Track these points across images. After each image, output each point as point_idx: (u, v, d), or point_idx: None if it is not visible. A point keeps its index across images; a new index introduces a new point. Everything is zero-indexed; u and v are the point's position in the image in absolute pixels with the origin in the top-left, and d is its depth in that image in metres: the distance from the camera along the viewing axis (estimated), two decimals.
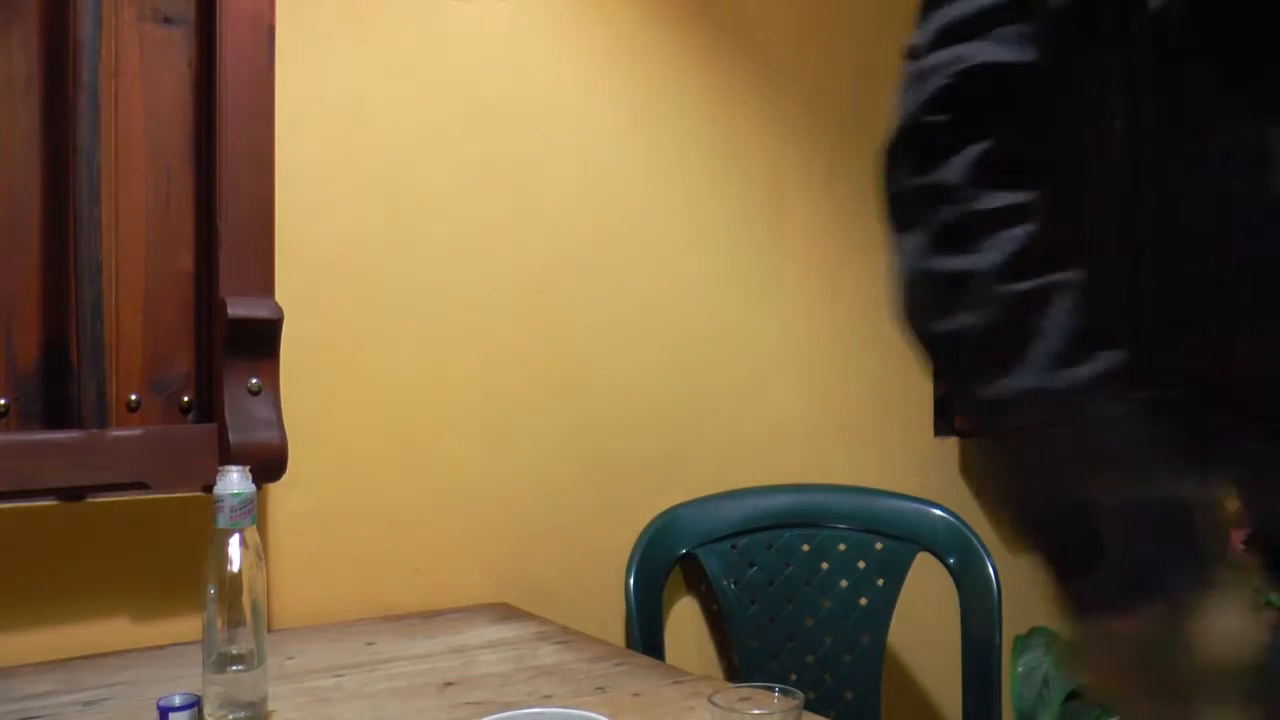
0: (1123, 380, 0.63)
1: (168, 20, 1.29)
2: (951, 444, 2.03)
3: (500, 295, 1.53)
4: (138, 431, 1.20)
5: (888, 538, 1.70)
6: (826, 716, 1.54)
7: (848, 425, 1.89)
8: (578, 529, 1.59)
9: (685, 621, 1.70)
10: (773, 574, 1.68)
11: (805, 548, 1.71)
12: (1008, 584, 1.68)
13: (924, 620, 1.85)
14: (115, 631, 1.24)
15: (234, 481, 0.91)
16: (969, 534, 1.66)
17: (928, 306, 0.69)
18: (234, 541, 0.90)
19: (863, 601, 1.69)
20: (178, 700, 0.91)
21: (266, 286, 1.27)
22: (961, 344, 0.67)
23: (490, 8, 1.52)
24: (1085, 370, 0.63)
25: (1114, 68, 0.72)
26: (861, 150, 1.90)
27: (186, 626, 1.26)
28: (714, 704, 0.86)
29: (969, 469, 2.05)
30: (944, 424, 2.02)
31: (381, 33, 1.43)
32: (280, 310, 1.27)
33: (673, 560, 1.62)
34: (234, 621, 0.90)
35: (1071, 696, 1.67)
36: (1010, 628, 1.67)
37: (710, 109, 1.73)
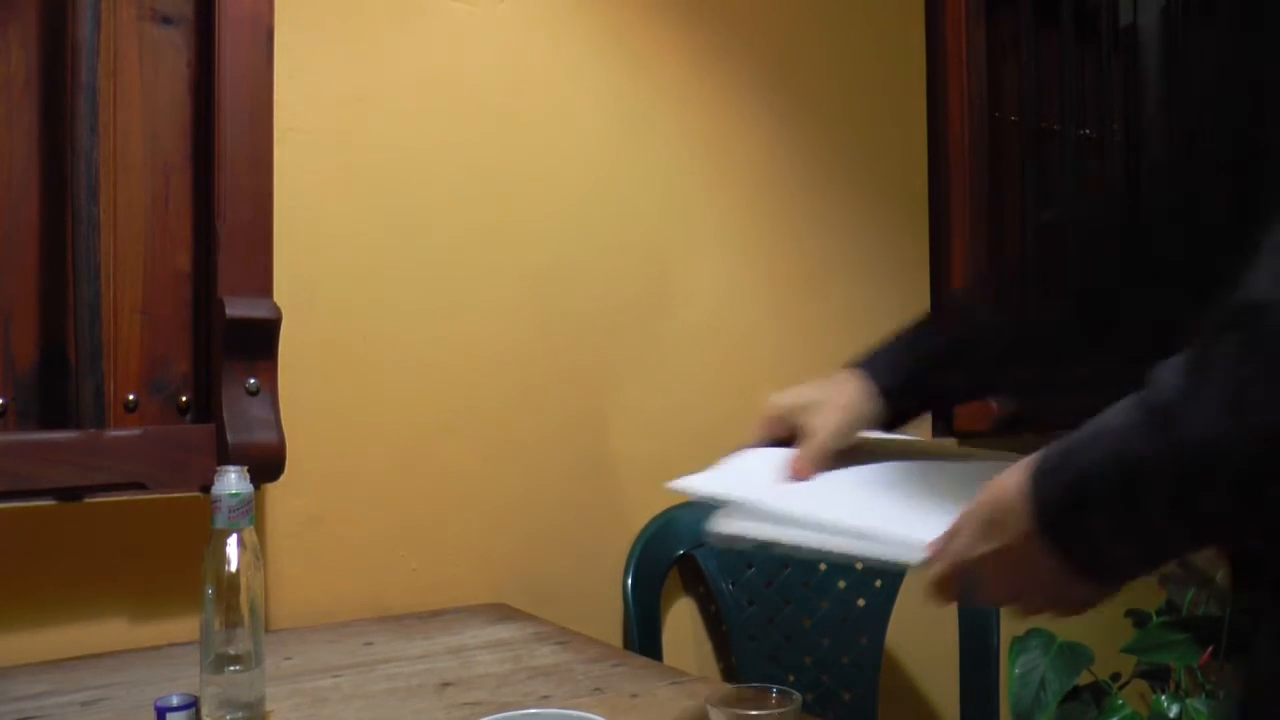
0: None
1: (166, 20, 1.29)
2: (949, 445, 2.03)
3: (499, 296, 1.53)
4: (136, 432, 1.20)
5: None
6: (824, 717, 1.54)
7: None
8: (576, 530, 1.59)
9: (683, 622, 1.70)
10: (770, 575, 1.68)
11: None
12: None
13: (921, 622, 1.85)
14: (112, 632, 1.24)
15: (232, 482, 0.91)
16: None
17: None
18: (232, 542, 0.90)
19: (860, 603, 1.69)
20: (175, 701, 0.90)
21: (265, 287, 1.27)
22: None
23: (489, 9, 1.53)
24: None
25: None
26: (854, 151, 1.90)
27: (184, 627, 1.26)
28: (711, 705, 0.86)
29: None
30: (941, 425, 2.02)
31: (380, 33, 1.43)
32: (279, 310, 1.27)
33: (671, 561, 1.62)
34: (231, 622, 0.90)
35: (1069, 698, 1.67)
36: (1008, 629, 1.67)
37: (706, 111, 1.73)
